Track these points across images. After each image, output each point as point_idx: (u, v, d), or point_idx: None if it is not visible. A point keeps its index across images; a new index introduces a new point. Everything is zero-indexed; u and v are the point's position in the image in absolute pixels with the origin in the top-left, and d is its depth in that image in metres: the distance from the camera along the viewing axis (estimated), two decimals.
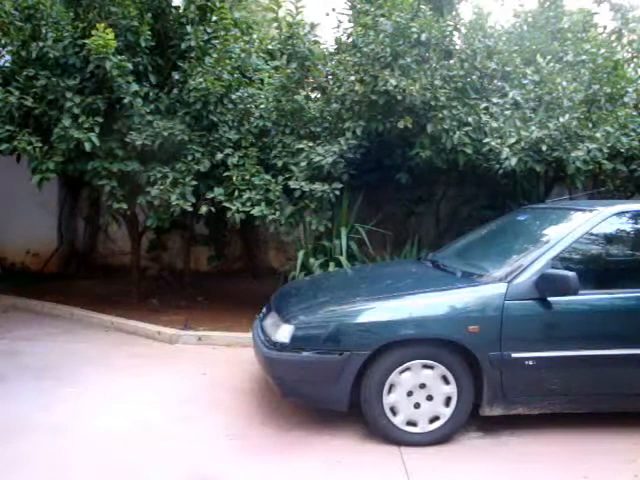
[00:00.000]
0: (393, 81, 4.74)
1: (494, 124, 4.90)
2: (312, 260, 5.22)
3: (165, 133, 5.04)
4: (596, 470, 2.81)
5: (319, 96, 5.93)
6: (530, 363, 3.01)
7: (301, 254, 5.28)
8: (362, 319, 3.06)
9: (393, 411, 3.04)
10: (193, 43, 5.34)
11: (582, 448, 3.03)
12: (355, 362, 2.97)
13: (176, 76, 5.34)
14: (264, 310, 3.82)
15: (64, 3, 5.32)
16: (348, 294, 3.47)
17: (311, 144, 5.22)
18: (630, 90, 5.18)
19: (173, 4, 5.57)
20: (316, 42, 5.91)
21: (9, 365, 4.16)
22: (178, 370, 4.18)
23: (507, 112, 5.01)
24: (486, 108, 5.10)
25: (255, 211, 5.05)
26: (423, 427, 3.05)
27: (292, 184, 5.10)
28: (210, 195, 5.19)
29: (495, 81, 5.43)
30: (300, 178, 5.14)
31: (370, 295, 3.33)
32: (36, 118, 5.15)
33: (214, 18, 5.64)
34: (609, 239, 3.37)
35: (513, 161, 4.63)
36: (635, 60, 6.22)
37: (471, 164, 5.08)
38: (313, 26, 5.93)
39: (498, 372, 3.00)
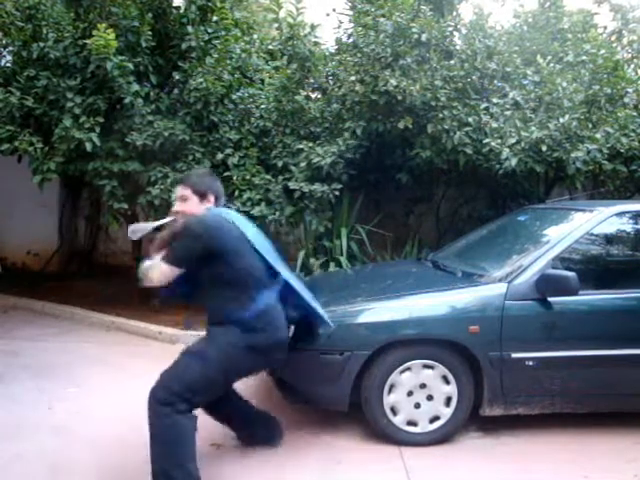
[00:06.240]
0: (393, 81, 4.75)
1: (494, 124, 4.91)
2: (312, 260, 5.23)
3: (166, 133, 5.04)
4: (596, 470, 2.81)
5: (319, 96, 5.93)
6: (530, 363, 3.01)
7: (301, 254, 5.28)
8: (362, 319, 3.06)
9: (393, 411, 3.04)
10: (194, 43, 5.35)
11: (582, 448, 3.03)
12: (356, 362, 2.97)
13: (177, 76, 5.34)
14: None
15: (65, 3, 5.33)
16: (348, 294, 3.47)
17: (311, 145, 5.22)
18: (630, 91, 5.17)
19: (174, 4, 5.57)
20: (317, 43, 5.92)
21: (9, 365, 4.16)
22: None
23: (507, 112, 5.01)
24: (486, 108, 5.10)
25: (255, 211, 5.05)
26: (423, 427, 3.05)
27: (292, 185, 5.11)
28: None
29: (495, 81, 5.43)
30: (300, 179, 5.14)
31: (370, 295, 3.33)
32: (37, 118, 5.15)
33: (215, 18, 5.65)
34: (609, 239, 3.37)
35: (513, 161, 4.63)
36: (635, 61, 6.22)
37: (471, 164, 5.08)
38: (313, 27, 5.93)
39: (498, 372, 3.00)
